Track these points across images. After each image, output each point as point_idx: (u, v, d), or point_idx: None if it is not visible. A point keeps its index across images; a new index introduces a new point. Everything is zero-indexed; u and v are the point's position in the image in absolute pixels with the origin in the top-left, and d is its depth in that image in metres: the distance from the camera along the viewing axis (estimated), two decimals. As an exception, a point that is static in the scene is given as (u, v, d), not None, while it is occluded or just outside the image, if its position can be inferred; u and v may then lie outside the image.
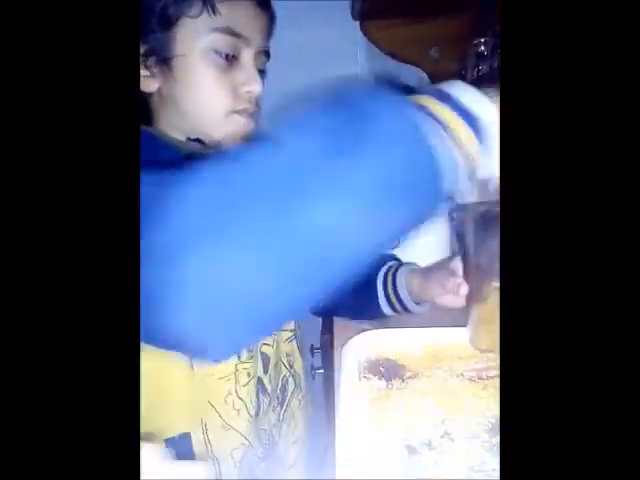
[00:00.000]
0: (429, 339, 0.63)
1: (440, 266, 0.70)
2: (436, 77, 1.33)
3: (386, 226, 0.34)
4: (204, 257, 0.30)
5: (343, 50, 1.44)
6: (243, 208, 0.31)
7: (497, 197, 0.35)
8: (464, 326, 0.60)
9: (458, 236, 0.83)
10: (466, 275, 0.61)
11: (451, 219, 0.88)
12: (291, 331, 0.69)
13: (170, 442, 0.55)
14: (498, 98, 0.36)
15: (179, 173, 0.33)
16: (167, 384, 0.54)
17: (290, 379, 0.67)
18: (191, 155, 0.61)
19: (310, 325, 0.88)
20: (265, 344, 0.63)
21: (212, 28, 0.54)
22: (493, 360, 0.57)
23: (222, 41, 0.55)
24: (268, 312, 0.33)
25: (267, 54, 0.61)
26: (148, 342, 0.36)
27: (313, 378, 1.04)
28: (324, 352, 1.04)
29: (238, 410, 0.58)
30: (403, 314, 0.74)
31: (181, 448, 0.55)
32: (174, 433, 0.55)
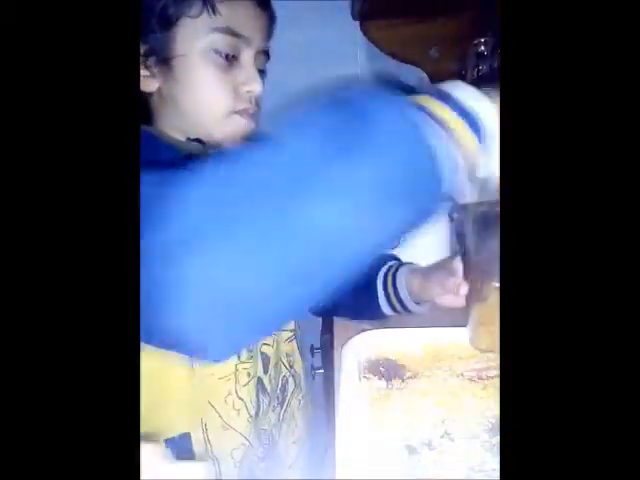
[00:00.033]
0: (429, 339, 0.63)
1: (440, 266, 0.70)
2: (436, 77, 1.33)
3: (386, 226, 0.34)
4: (204, 257, 0.30)
5: (343, 50, 1.44)
6: (243, 208, 0.31)
7: (497, 197, 0.35)
8: (464, 326, 0.60)
9: (458, 236, 0.83)
10: (466, 275, 0.61)
11: (451, 219, 0.88)
12: (291, 331, 0.69)
13: (170, 442, 0.55)
14: (498, 98, 0.35)
15: (179, 173, 0.34)
16: (167, 384, 0.54)
17: (290, 379, 0.67)
18: (191, 155, 0.62)
19: (310, 325, 0.88)
20: (265, 344, 0.63)
21: (212, 28, 0.54)
22: (493, 360, 0.57)
23: (222, 41, 0.55)
24: (268, 312, 0.33)
25: (267, 54, 0.61)
26: (148, 342, 0.36)
27: (313, 378, 1.04)
28: (324, 352, 1.04)
29: (238, 410, 0.58)
30: (403, 314, 0.74)
31: (181, 448, 0.55)
32: (174, 433, 0.55)
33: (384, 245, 0.37)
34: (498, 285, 0.49)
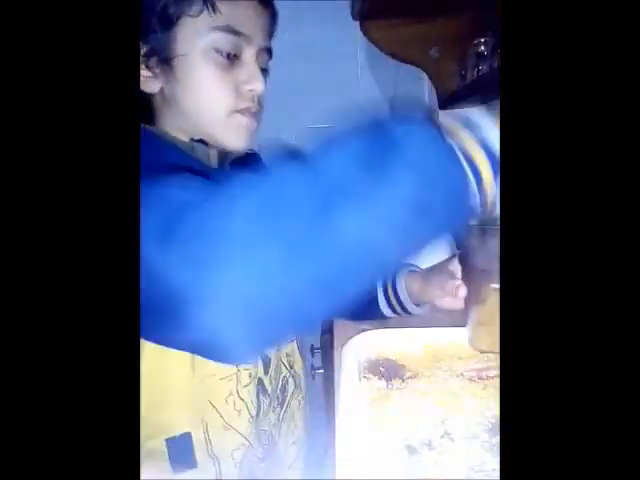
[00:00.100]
0: (429, 339, 0.63)
1: (439, 268, 0.70)
2: (436, 77, 1.33)
3: (410, 242, 0.37)
4: (235, 265, 0.33)
5: (343, 50, 1.44)
6: (276, 222, 0.33)
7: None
8: (464, 326, 0.60)
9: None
10: (465, 277, 0.61)
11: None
12: (291, 331, 0.69)
13: (171, 441, 0.55)
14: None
15: (214, 184, 0.37)
16: (169, 384, 0.54)
17: (290, 379, 0.67)
18: (224, 165, 0.63)
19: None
20: None
21: (213, 27, 0.54)
22: (493, 360, 0.57)
23: (223, 40, 0.54)
24: (293, 319, 0.36)
25: (269, 52, 0.61)
26: (169, 345, 0.37)
27: (313, 378, 1.04)
28: (324, 352, 1.04)
29: (239, 411, 0.58)
30: (403, 316, 0.74)
31: (182, 447, 0.55)
32: (175, 432, 0.55)
33: (407, 258, 0.40)
34: (497, 287, 0.50)
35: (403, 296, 0.72)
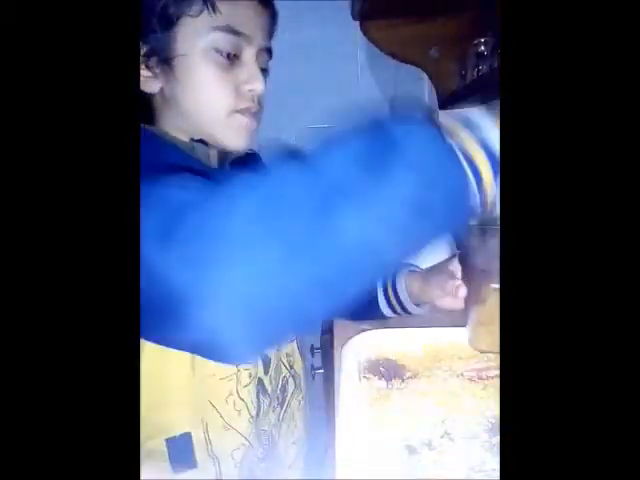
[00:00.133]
0: (429, 339, 0.63)
1: (439, 268, 0.70)
2: (436, 77, 1.33)
3: (411, 242, 0.37)
4: (235, 265, 0.33)
5: (343, 50, 1.44)
6: (275, 221, 0.33)
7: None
8: (464, 326, 0.60)
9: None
10: (465, 277, 0.61)
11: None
12: (291, 331, 0.69)
13: (171, 441, 0.55)
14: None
15: (214, 184, 0.37)
16: (169, 383, 0.54)
17: (290, 379, 0.67)
18: (224, 165, 0.63)
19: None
20: None
21: (212, 27, 0.54)
22: (493, 360, 0.57)
23: (223, 39, 0.54)
24: (293, 319, 0.36)
25: (269, 52, 0.60)
26: (169, 345, 0.38)
27: (313, 378, 1.04)
28: (324, 352, 1.04)
29: (239, 411, 0.58)
30: (403, 316, 0.74)
31: (182, 448, 0.55)
32: (175, 432, 0.55)
33: (407, 258, 0.41)
34: (496, 287, 0.50)
35: (403, 296, 0.72)
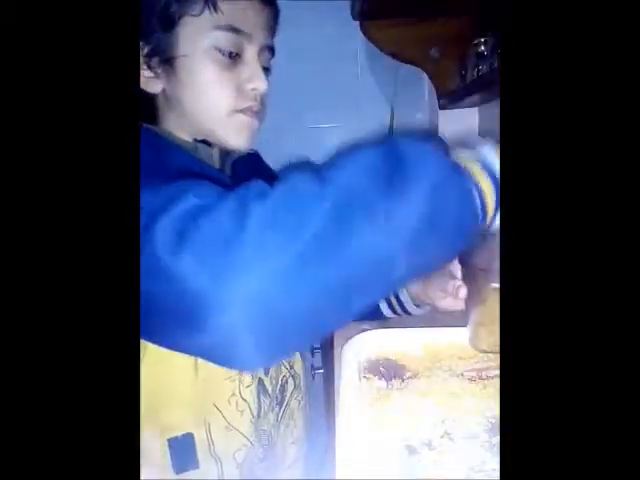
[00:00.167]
0: (429, 339, 0.63)
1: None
2: (436, 77, 1.33)
3: (420, 258, 0.38)
4: (249, 275, 0.33)
5: (343, 50, 1.44)
6: (297, 233, 0.34)
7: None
8: (464, 326, 0.60)
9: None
10: (465, 277, 0.61)
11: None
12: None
13: (173, 442, 0.55)
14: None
15: (228, 190, 0.38)
16: (171, 384, 0.54)
17: (290, 379, 0.67)
18: (226, 165, 0.64)
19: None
20: None
21: (214, 26, 0.54)
22: (493, 360, 0.57)
23: (224, 38, 0.54)
24: (306, 328, 0.37)
25: (271, 50, 0.60)
26: (181, 351, 0.38)
27: (313, 378, 1.04)
28: (324, 352, 1.04)
29: (241, 411, 0.58)
30: (403, 316, 0.74)
31: (184, 448, 0.55)
32: (177, 433, 0.55)
33: (417, 274, 0.42)
34: (497, 286, 0.49)
35: (403, 297, 0.72)
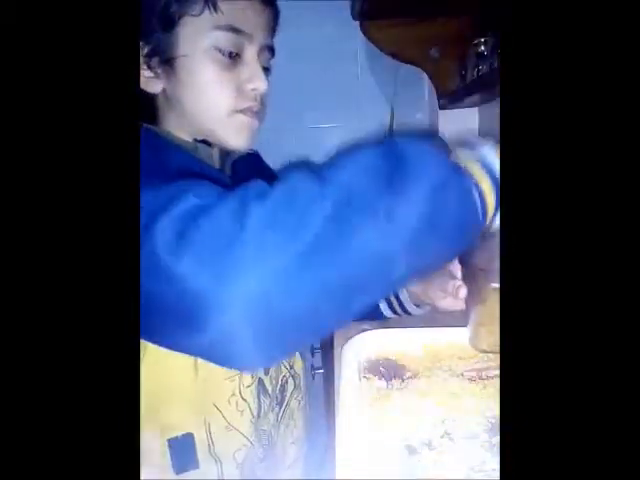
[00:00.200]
0: (429, 339, 0.63)
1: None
2: (436, 77, 1.33)
3: (421, 259, 0.38)
4: (249, 274, 0.33)
5: (343, 50, 1.44)
6: (295, 232, 0.34)
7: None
8: (464, 326, 0.60)
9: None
10: (465, 277, 0.61)
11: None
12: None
13: (173, 442, 0.55)
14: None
15: (228, 190, 0.38)
16: (171, 384, 0.54)
17: (290, 379, 0.67)
18: (226, 165, 0.63)
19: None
20: None
21: (214, 26, 0.54)
22: (493, 360, 0.57)
23: (224, 38, 0.54)
24: (306, 327, 0.37)
25: (271, 50, 0.60)
26: (181, 350, 0.39)
27: (313, 378, 1.04)
28: (324, 352, 1.04)
29: (241, 411, 0.58)
30: (403, 316, 0.74)
31: (184, 448, 0.55)
32: (177, 433, 0.55)
33: (417, 274, 0.42)
34: (497, 286, 0.49)
35: (403, 297, 0.72)
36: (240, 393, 0.58)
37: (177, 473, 0.55)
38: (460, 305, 0.61)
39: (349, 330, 0.66)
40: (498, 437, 0.45)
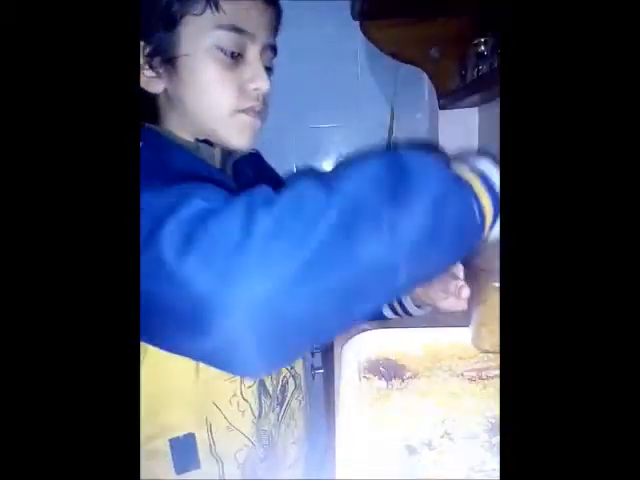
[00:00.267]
0: (429, 339, 0.63)
1: None
2: (436, 77, 1.33)
3: (422, 267, 0.39)
4: (253, 279, 0.33)
5: (343, 50, 1.44)
6: (301, 239, 0.34)
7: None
8: (465, 326, 0.60)
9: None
10: (466, 278, 0.60)
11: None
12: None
13: (174, 442, 0.55)
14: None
15: (233, 194, 0.38)
16: (173, 384, 0.54)
17: (290, 379, 0.67)
18: (228, 165, 0.64)
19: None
20: None
21: (216, 25, 0.53)
22: (493, 360, 0.57)
23: (226, 38, 0.54)
24: (307, 333, 0.37)
25: (273, 50, 0.60)
26: (181, 354, 0.40)
27: (313, 378, 1.04)
28: (324, 352, 1.04)
29: (243, 411, 0.58)
30: (405, 317, 0.74)
31: (185, 448, 0.55)
32: (179, 433, 0.55)
33: (418, 283, 0.44)
34: (498, 285, 0.50)
35: (404, 298, 0.72)
36: (241, 393, 0.58)
37: (178, 473, 0.55)
38: (462, 305, 0.61)
39: (349, 330, 0.66)
40: (498, 437, 0.45)
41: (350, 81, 1.46)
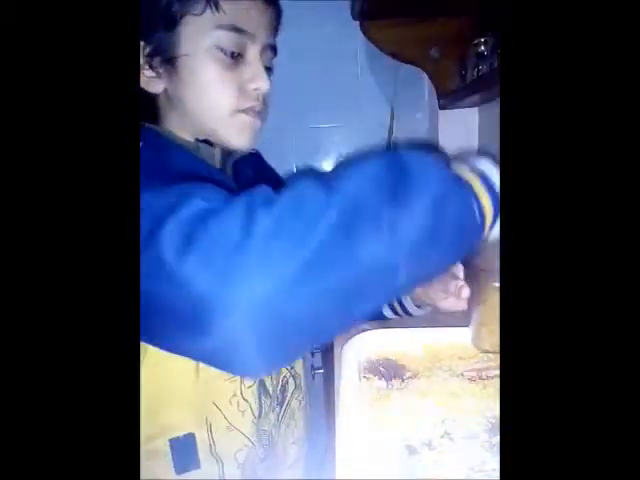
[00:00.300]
0: (429, 339, 0.63)
1: None
2: (436, 77, 1.33)
3: (422, 268, 0.40)
4: (253, 279, 0.33)
5: (343, 50, 1.44)
6: (301, 239, 0.34)
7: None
8: (465, 326, 0.60)
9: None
10: (466, 277, 0.60)
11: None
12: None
13: (174, 442, 0.55)
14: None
15: (233, 194, 0.38)
16: (173, 384, 0.54)
17: (290, 379, 0.67)
18: (228, 165, 0.63)
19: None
20: None
21: (216, 25, 0.53)
22: (493, 360, 0.57)
23: (226, 38, 0.54)
24: (307, 333, 0.37)
25: (274, 50, 0.60)
26: (181, 354, 0.40)
27: (313, 378, 1.04)
28: (324, 352, 1.04)
29: (243, 411, 0.58)
30: (405, 317, 0.74)
31: (185, 448, 0.55)
32: (179, 433, 0.55)
33: (418, 283, 0.44)
34: (498, 285, 0.50)
35: (404, 298, 0.72)
36: (241, 393, 0.58)
37: (178, 473, 0.55)
38: (462, 305, 0.61)
39: (349, 330, 0.66)
40: (498, 437, 0.45)
41: (350, 81, 1.46)
